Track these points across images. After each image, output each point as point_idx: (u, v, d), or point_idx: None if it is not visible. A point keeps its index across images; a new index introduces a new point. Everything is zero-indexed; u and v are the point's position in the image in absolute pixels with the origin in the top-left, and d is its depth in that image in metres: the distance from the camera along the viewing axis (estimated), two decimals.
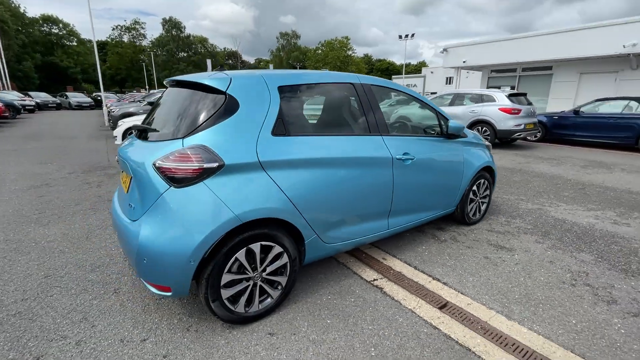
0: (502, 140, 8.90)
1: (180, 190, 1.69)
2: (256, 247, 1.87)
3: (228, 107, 1.84)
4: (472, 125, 8.96)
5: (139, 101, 11.90)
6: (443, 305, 2.20)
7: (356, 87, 2.46)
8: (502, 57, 13.12)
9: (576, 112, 9.36)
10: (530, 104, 8.94)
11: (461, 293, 2.34)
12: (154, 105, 2.44)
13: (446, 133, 2.98)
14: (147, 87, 49.21)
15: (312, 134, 2.18)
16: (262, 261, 1.92)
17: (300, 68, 61.95)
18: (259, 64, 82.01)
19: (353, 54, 64.65)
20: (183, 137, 1.77)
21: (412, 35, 31.91)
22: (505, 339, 1.90)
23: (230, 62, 72.40)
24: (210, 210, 1.70)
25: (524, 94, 9.00)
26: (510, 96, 8.63)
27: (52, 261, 2.69)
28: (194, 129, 1.79)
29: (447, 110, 9.12)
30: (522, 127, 8.42)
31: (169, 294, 1.77)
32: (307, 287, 2.38)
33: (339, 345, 1.83)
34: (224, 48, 73.73)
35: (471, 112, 9.01)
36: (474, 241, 3.17)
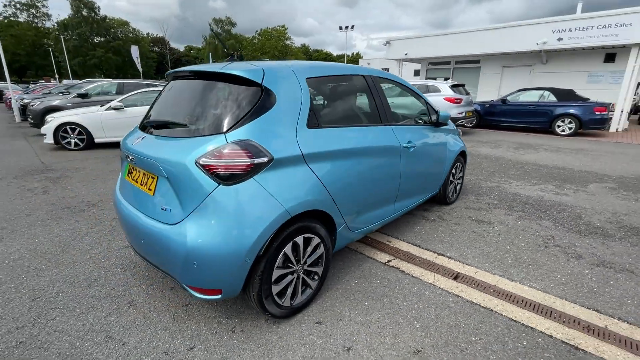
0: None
1: (231, 188, 1.61)
2: (300, 239, 1.87)
3: (266, 100, 1.79)
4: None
5: (62, 93, 10.28)
6: (456, 277, 2.46)
7: (367, 79, 2.55)
8: (439, 51, 14.30)
9: (503, 100, 10.72)
10: (468, 93, 9.97)
11: (466, 264, 2.63)
12: (158, 97, 2.23)
13: (436, 122, 3.25)
14: (57, 76, 42.50)
15: (339, 125, 2.22)
16: (303, 253, 1.94)
17: (238, 57, 59.40)
18: (190, 52, 76.33)
19: (291, 44, 63.92)
20: (225, 132, 1.68)
21: (352, 27, 32.72)
22: (515, 297, 2.22)
23: (157, 49, 66.10)
24: (262, 206, 1.66)
25: (463, 85, 9.99)
26: (452, 87, 9.52)
27: (32, 281, 2.32)
28: (235, 123, 1.70)
29: (395, 100, 9.72)
30: (463, 114, 9.37)
31: (218, 297, 1.70)
32: (331, 275, 2.45)
33: (385, 323, 1.95)
34: (148, 33, 66.90)
35: None
36: (458, 218, 3.54)
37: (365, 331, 1.88)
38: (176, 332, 1.86)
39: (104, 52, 49.40)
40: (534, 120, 10.11)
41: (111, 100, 7.70)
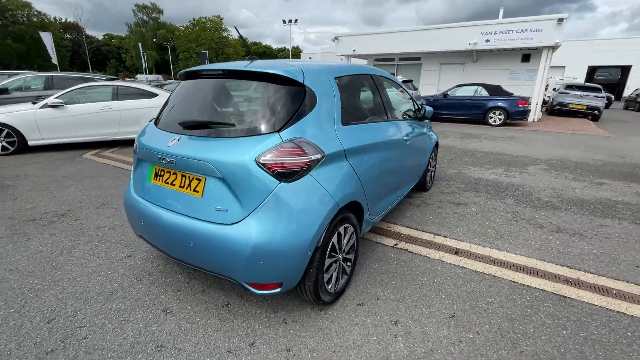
0: None
1: (291, 185, 1.68)
2: (342, 229, 2.01)
3: (309, 99, 1.87)
4: None
5: None
6: (456, 252, 2.82)
7: (373, 78, 2.74)
8: (384, 48, 15.13)
9: (445, 95, 11.85)
10: (416, 89, 10.81)
11: (460, 241, 3.02)
12: (177, 95, 2.15)
13: (422, 116, 3.58)
14: None
15: (362, 122, 2.38)
16: (343, 242, 2.08)
17: (170, 48, 54.90)
18: (111, 41, 68.48)
19: (229, 36, 61.19)
20: (278, 131, 1.73)
21: (295, 20, 32.55)
22: (507, 263, 2.64)
23: (69, 36, 57.88)
24: (319, 200, 1.75)
25: (411, 81, 10.81)
26: (402, 82, 10.23)
27: (35, 303, 2.07)
28: (286, 122, 1.76)
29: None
30: None
31: (277, 290, 1.76)
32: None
33: (417, 297, 2.20)
34: (56, 18, 58.01)
35: None
36: (439, 202, 3.97)
37: (403, 306, 2.11)
38: (229, 331, 1.87)
39: (2, 38, 41.82)
40: (471, 112, 11.40)
41: (42, 97, 6.74)
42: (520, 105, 10.65)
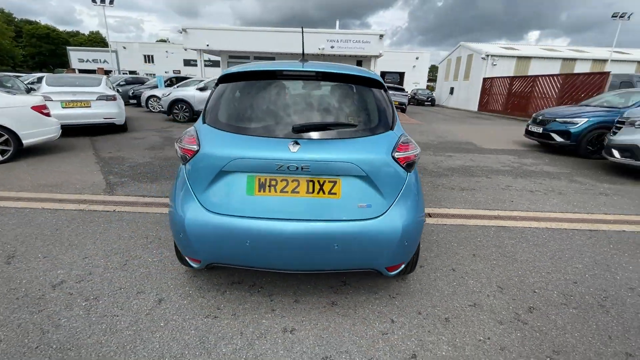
0: None
1: (412, 174, 1.96)
2: None
3: (390, 100, 2.16)
4: None
5: None
6: (473, 217, 3.63)
7: None
8: (240, 46, 15.03)
9: None
10: None
11: (498, 210, 3.82)
12: (252, 99, 1.95)
13: None
14: None
15: None
16: None
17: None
18: None
19: None
20: (391, 129, 1.95)
21: (111, 1, 26.29)
22: (547, 218, 3.66)
23: None
24: (420, 185, 2.11)
25: None
26: None
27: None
28: (392, 121, 2.00)
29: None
30: None
31: (402, 267, 2.03)
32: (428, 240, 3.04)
33: (515, 265, 2.87)
34: None
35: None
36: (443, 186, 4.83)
37: (500, 271, 2.72)
38: (366, 319, 1.96)
39: None
40: None
41: None
42: None
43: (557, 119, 7.50)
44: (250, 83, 2.04)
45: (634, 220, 3.63)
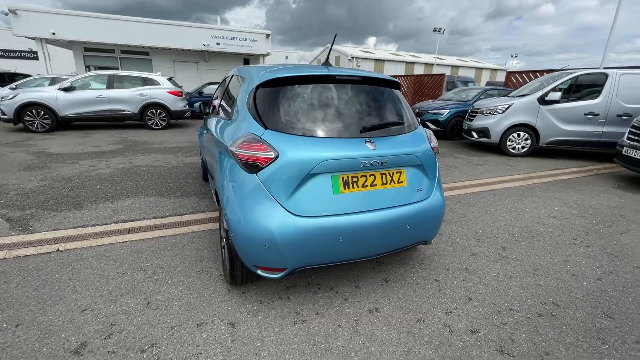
0: (177, 119, 9.91)
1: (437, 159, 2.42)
2: None
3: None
4: (146, 108, 9.00)
5: None
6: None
7: None
8: (101, 36, 12.38)
9: (200, 92, 12.19)
10: (180, 86, 10.42)
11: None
12: (315, 104, 2.03)
13: None
14: None
15: None
16: None
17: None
18: None
19: None
20: (418, 126, 2.35)
21: None
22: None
23: None
24: None
25: (171, 78, 10.24)
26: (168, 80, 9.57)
27: None
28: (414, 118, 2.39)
29: (106, 93, 8.37)
30: (187, 107, 9.91)
31: (433, 240, 2.48)
32: None
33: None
34: None
35: (140, 95, 8.91)
36: None
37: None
38: (406, 309, 2.33)
39: None
40: None
41: None
42: None
43: (429, 111, 9.52)
44: (303, 87, 2.06)
45: (513, 179, 5.20)
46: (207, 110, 3.80)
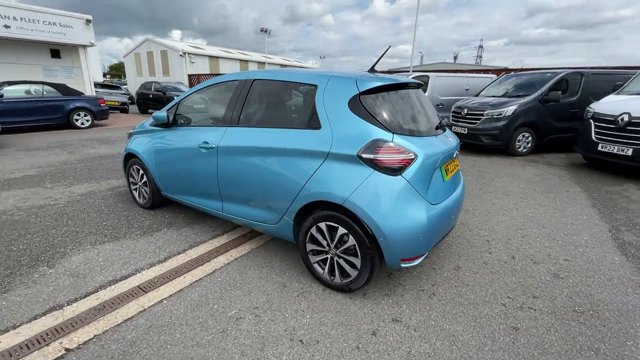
0: None
1: None
2: None
3: None
4: None
5: None
6: None
7: None
8: None
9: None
10: None
11: None
12: (402, 108, 2.31)
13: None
14: None
15: None
16: None
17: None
18: None
19: None
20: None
21: None
22: None
23: None
24: None
25: None
26: None
27: None
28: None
29: None
30: None
31: None
32: None
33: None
34: None
35: None
36: None
37: None
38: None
39: None
40: (49, 117, 9.38)
41: None
42: (101, 105, 10.54)
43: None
44: (396, 93, 2.30)
45: None
46: (182, 122, 3.17)
